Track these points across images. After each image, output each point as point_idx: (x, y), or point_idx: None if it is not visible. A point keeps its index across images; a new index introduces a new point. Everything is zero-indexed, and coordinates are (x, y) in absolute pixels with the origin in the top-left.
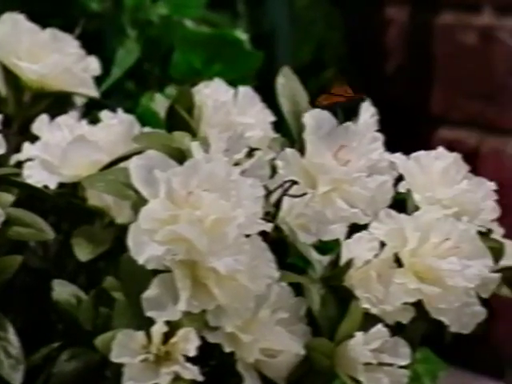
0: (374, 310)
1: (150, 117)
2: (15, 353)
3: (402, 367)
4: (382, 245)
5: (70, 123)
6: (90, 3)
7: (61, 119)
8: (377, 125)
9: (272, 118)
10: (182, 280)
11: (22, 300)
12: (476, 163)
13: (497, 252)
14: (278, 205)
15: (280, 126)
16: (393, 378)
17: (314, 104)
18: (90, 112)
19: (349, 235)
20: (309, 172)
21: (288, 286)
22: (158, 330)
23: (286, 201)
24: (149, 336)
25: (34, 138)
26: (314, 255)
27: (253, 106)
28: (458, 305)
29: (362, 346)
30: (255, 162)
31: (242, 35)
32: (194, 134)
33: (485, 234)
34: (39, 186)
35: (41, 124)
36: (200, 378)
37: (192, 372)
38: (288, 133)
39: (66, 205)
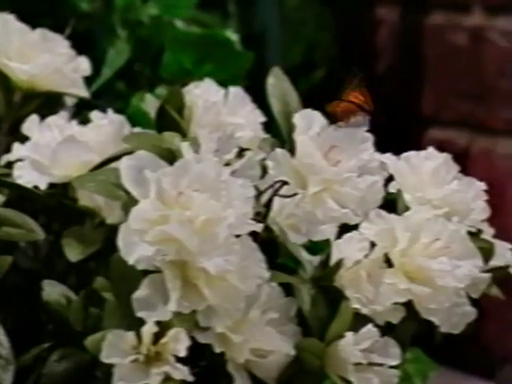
0: (364, 310)
1: (141, 117)
2: (5, 353)
3: (392, 367)
4: (373, 245)
5: (60, 123)
6: (80, 3)
7: (51, 119)
8: (367, 125)
9: (262, 119)
10: (172, 280)
11: (12, 300)
12: (466, 163)
13: (487, 252)
14: (268, 205)
15: (270, 126)
16: (383, 378)
17: (331, 116)
18: (81, 112)
19: (339, 235)
20: (299, 172)
21: (278, 286)
22: (149, 330)
23: (277, 201)
24: (139, 336)
25: (24, 139)
26: (305, 255)
27: (243, 106)
28: (448, 305)
29: (352, 346)
30: (245, 162)
31: (232, 35)
32: (184, 135)
33: (475, 235)
34: (29, 186)
35: (31, 124)
36: (190, 379)
37: (182, 372)
38: (278, 133)
39: (57, 205)
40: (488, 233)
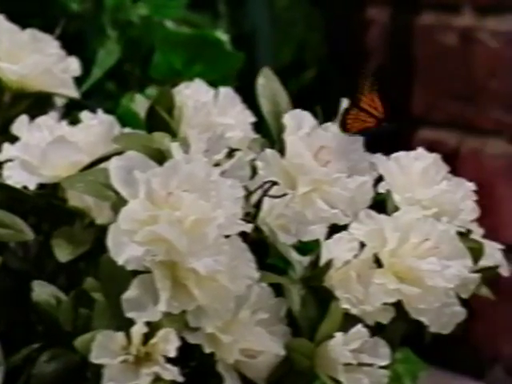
0: (353, 311)
1: (131, 117)
2: None
3: (381, 367)
4: (362, 245)
5: (49, 124)
6: (70, 4)
7: (41, 120)
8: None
9: (252, 119)
10: (161, 281)
11: (2, 301)
12: (456, 163)
13: (476, 252)
14: (258, 205)
15: (260, 126)
16: (373, 379)
17: (343, 126)
18: (71, 113)
19: (329, 236)
20: (289, 173)
21: (268, 286)
22: (138, 330)
23: (266, 201)
24: (129, 337)
25: (13, 139)
26: (294, 256)
27: (233, 106)
28: (438, 305)
29: (341, 346)
30: (235, 162)
31: (222, 36)
32: (174, 135)
33: (464, 235)
34: (19, 186)
35: (21, 125)
36: (180, 379)
37: (172, 373)
38: (268, 133)
39: (46, 205)
40: (477, 233)
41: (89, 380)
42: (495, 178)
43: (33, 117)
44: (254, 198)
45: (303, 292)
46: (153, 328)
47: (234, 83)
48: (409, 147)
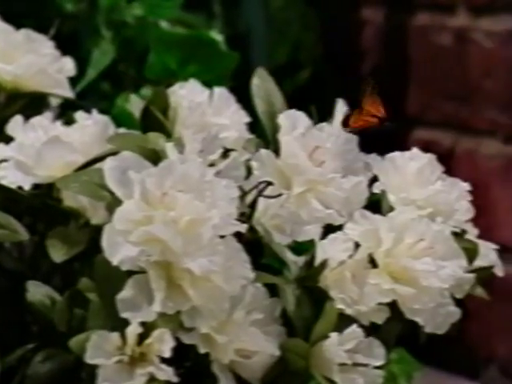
0: (348, 311)
1: (126, 118)
2: None
3: (376, 367)
4: (357, 245)
5: (44, 124)
6: (65, 4)
7: (35, 120)
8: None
9: (247, 119)
10: (156, 281)
11: None
12: (451, 164)
13: (471, 252)
14: (253, 206)
15: (255, 126)
16: (368, 379)
17: (346, 125)
18: (65, 113)
19: (323, 236)
20: (284, 173)
21: (263, 286)
22: (133, 331)
23: (261, 202)
24: (123, 337)
25: (8, 139)
26: (289, 256)
27: (228, 106)
28: (433, 305)
29: (336, 346)
30: (230, 162)
31: (217, 36)
32: (168, 135)
33: (459, 235)
34: (13, 186)
35: (15, 125)
36: (175, 379)
37: (167, 373)
38: (263, 134)
39: (41, 206)
40: (472, 233)
41: (83, 380)
42: (490, 178)
43: (27, 117)
44: (249, 198)
45: (298, 292)
46: (147, 328)
47: (228, 83)
48: (404, 147)
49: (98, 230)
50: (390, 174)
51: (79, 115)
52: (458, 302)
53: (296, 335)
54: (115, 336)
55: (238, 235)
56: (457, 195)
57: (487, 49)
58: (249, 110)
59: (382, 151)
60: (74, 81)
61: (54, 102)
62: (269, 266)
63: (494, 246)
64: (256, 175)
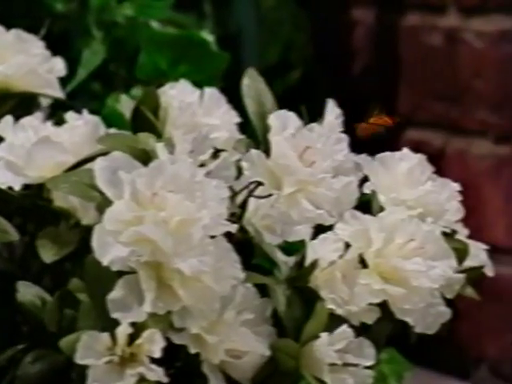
0: (339, 311)
1: (116, 118)
2: None
3: (367, 368)
4: (347, 246)
5: (34, 124)
6: (56, 4)
7: (26, 120)
8: (342, 126)
9: (238, 119)
10: (146, 281)
11: None
12: (442, 164)
13: (461, 253)
14: (243, 206)
15: (246, 127)
16: (358, 379)
17: (353, 133)
18: (56, 113)
19: (314, 236)
20: (274, 173)
21: (253, 286)
22: (123, 331)
23: (252, 202)
24: (114, 337)
25: None
26: (280, 256)
27: (218, 107)
28: (423, 305)
29: (327, 346)
30: (220, 163)
31: (208, 36)
32: (159, 135)
33: (449, 235)
34: (4, 187)
35: (5, 125)
36: (165, 380)
37: (157, 373)
38: (253, 134)
39: (31, 206)
40: (462, 233)
41: (74, 381)
42: (481, 179)
43: (18, 117)
44: (240, 198)
45: (288, 292)
46: (138, 329)
47: (219, 84)
48: (394, 147)
49: (88, 231)
50: (380, 174)
51: (69, 115)
52: (449, 302)
53: (286, 335)
54: (105, 336)
55: (228, 235)
56: (447, 195)
57: (478, 49)
58: (239, 111)
59: (373, 151)
60: (64, 81)
61: (45, 102)
62: (259, 266)
63: (484, 246)
64: (246, 175)
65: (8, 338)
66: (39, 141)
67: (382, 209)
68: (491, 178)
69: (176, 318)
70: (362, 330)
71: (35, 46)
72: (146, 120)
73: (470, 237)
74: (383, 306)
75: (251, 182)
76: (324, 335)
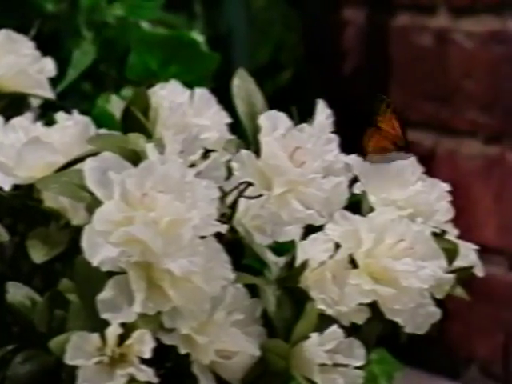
0: (329, 311)
1: (106, 118)
2: None
3: (357, 368)
4: (337, 246)
5: (25, 125)
6: (46, 4)
7: (16, 121)
8: (333, 126)
9: (228, 120)
10: (136, 282)
11: None
12: (432, 164)
13: (451, 253)
14: (233, 206)
15: (236, 127)
16: (348, 379)
17: (364, 150)
18: (46, 113)
19: (304, 236)
20: (264, 173)
21: (243, 287)
22: (113, 331)
23: (242, 202)
24: (103, 338)
25: None
26: (270, 256)
27: (209, 107)
28: (413, 305)
29: (317, 346)
30: (211, 163)
31: (198, 37)
32: (149, 136)
33: (439, 235)
34: None
35: None
36: (155, 380)
37: (147, 374)
38: (244, 134)
39: (21, 207)
40: (452, 233)
41: (63, 381)
42: (471, 179)
43: (8, 118)
44: (230, 198)
45: (278, 293)
46: (128, 329)
47: (209, 84)
48: None
49: (78, 231)
50: (370, 174)
51: (60, 116)
52: (438, 303)
53: (276, 336)
54: (95, 337)
55: (218, 236)
56: (437, 196)
57: (468, 49)
58: (230, 111)
59: (363, 152)
60: (54, 81)
61: (35, 102)
62: (249, 266)
63: (474, 247)
64: (236, 176)
65: None
66: (29, 141)
67: (371, 209)
68: (481, 178)
69: (166, 318)
70: (352, 331)
71: (25, 46)
72: (136, 120)
73: (460, 237)
74: (373, 307)
75: (241, 183)
76: (314, 335)
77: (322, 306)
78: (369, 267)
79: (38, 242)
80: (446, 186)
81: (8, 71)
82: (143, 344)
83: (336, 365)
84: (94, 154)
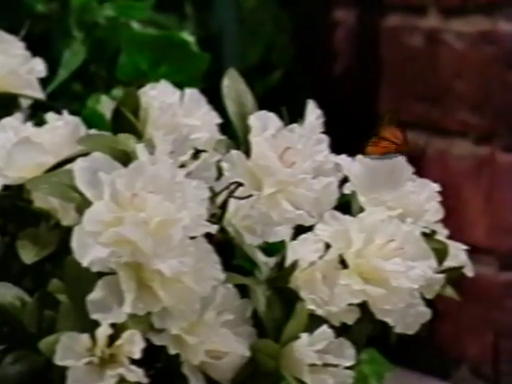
0: (319, 311)
1: (97, 119)
2: None
3: (347, 368)
4: (327, 246)
5: (15, 125)
6: (36, 4)
7: (6, 121)
8: (323, 126)
9: (218, 120)
10: (126, 282)
11: None
12: (423, 164)
13: (441, 253)
14: (223, 206)
15: (227, 127)
16: (338, 379)
17: (363, 152)
18: (36, 114)
19: (294, 237)
20: (254, 174)
21: (234, 287)
22: (103, 332)
23: (232, 203)
24: (93, 338)
25: None
26: (260, 257)
27: (199, 107)
28: (403, 306)
29: (307, 347)
30: (201, 163)
31: (188, 37)
32: (139, 136)
33: (429, 236)
34: None
35: None
36: (145, 381)
37: (137, 374)
38: (234, 135)
39: (11, 207)
40: (442, 234)
41: (53, 382)
42: (461, 179)
43: None
44: (220, 199)
45: (269, 293)
46: (118, 329)
47: (200, 84)
48: None
49: (68, 232)
50: (360, 174)
51: (50, 116)
52: (428, 303)
53: (266, 336)
54: (85, 337)
55: (208, 236)
56: (427, 196)
57: (458, 50)
58: (220, 111)
59: (353, 152)
60: (45, 82)
61: (25, 102)
62: (240, 266)
63: (464, 247)
64: (227, 176)
65: None
66: (19, 141)
67: (361, 209)
68: (472, 178)
69: (156, 318)
70: (342, 331)
71: (15, 46)
72: (127, 121)
73: (450, 237)
74: (363, 307)
75: (231, 183)
76: (304, 336)
77: (312, 307)
78: (359, 267)
79: (27, 242)
80: (436, 187)
81: None
82: (133, 344)
83: (326, 365)
84: (84, 155)
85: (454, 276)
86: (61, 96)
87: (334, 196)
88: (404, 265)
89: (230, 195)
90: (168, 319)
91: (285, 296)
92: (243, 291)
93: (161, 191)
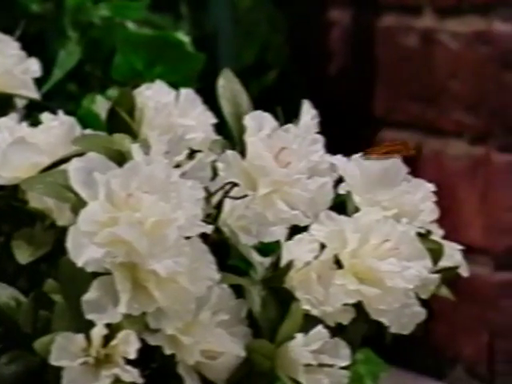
0: (314, 312)
1: (92, 119)
2: None
3: (342, 368)
4: (323, 246)
5: (10, 125)
6: (31, 4)
7: (1, 121)
8: (318, 126)
9: (213, 120)
10: (122, 282)
11: None
12: (418, 165)
13: (436, 253)
14: (218, 207)
15: (222, 128)
16: (333, 379)
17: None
18: (31, 114)
19: (289, 237)
20: (249, 174)
21: (229, 287)
22: (98, 332)
23: (227, 203)
24: (89, 339)
25: None
26: (255, 257)
27: (194, 108)
28: (398, 306)
29: (302, 347)
30: (196, 163)
31: (183, 37)
32: (134, 136)
33: (424, 236)
34: None
35: None
36: (140, 381)
37: (132, 374)
38: (229, 135)
39: (6, 207)
40: (437, 234)
41: (49, 382)
42: (456, 179)
43: None
44: (215, 199)
45: (264, 293)
46: (113, 330)
47: (195, 84)
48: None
49: (63, 232)
50: (355, 175)
51: (45, 116)
52: (424, 303)
53: (262, 336)
54: (80, 338)
55: (203, 236)
56: (422, 196)
57: (453, 50)
58: (215, 111)
59: (348, 152)
60: (40, 82)
61: (20, 103)
62: (235, 267)
63: (459, 247)
64: (222, 176)
65: None
66: (14, 142)
67: (357, 209)
68: (467, 178)
69: (151, 318)
70: (337, 331)
71: (10, 46)
72: (122, 121)
73: (445, 237)
74: (358, 307)
75: (227, 183)
76: (299, 336)
77: (307, 307)
78: (354, 267)
79: (23, 242)
80: (431, 187)
81: None
82: (128, 345)
83: (321, 365)
84: (80, 155)
85: (449, 276)
86: (56, 96)
87: (329, 196)
88: (399, 265)
89: (226, 195)
90: (163, 319)
91: (280, 296)
92: (238, 291)
93: (156, 191)
